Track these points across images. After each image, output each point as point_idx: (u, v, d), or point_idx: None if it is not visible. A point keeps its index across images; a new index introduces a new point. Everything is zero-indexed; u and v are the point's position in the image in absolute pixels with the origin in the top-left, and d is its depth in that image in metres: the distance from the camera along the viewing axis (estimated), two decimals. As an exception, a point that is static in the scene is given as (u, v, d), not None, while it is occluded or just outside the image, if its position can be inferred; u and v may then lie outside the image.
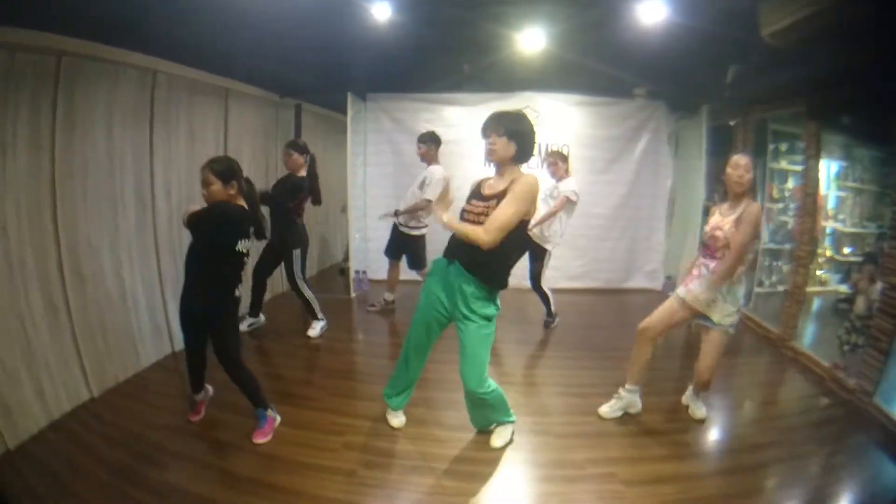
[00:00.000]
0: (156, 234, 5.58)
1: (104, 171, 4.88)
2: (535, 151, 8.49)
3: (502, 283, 3.87)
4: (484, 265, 3.72)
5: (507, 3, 5.58)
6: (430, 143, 7.04)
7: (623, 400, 4.76)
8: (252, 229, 4.14)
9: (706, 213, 9.52)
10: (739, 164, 4.20)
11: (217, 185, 3.88)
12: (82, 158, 4.60)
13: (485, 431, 4.35)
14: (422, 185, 6.98)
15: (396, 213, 7.19)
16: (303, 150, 6.34)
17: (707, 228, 4.42)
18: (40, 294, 4.19)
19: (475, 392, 3.92)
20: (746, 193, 4.24)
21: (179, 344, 5.71)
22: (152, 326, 5.56)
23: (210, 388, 4.61)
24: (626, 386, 4.76)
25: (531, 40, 6.44)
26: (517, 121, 3.75)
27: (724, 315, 4.28)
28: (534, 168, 8.30)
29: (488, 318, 3.85)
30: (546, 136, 8.83)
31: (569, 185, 6.72)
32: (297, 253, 6.40)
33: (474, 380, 3.88)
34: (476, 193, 3.90)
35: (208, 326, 4.14)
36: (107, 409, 4.59)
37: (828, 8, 4.27)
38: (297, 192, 6.26)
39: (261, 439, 4.17)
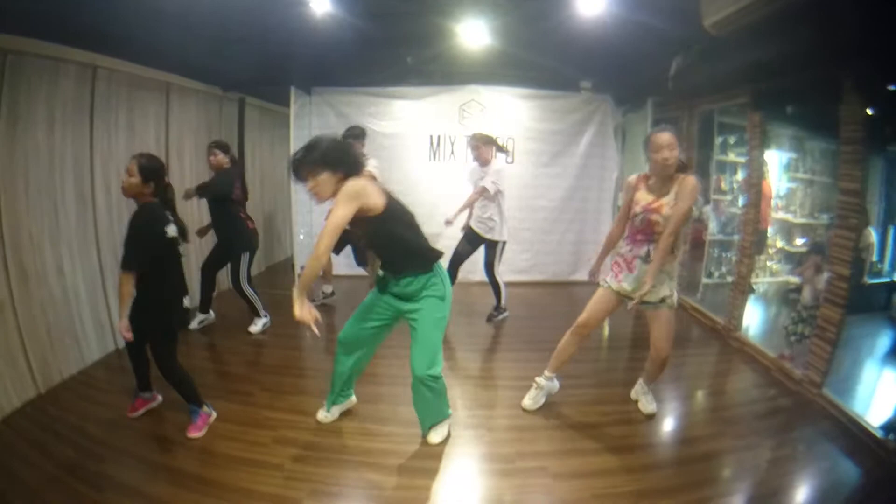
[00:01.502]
0: (96, 229, 5.62)
1: (44, 167, 4.95)
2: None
3: (432, 257, 3.92)
4: (401, 262, 3.85)
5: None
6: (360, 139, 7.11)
7: (543, 389, 4.83)
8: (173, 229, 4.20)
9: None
10: (662, 145, 3.94)
11: (136, 179, 3.94)
12: (23, 154, 4.67)
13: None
14: None
15: None
16: (226, 149, 6.38)
17: (638, 210, 4.15)
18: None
19: (424, 376, 3.92)
20: (675, 173, 4.04)
21: (122, 341, 5.63)
22: (95, 323, 5.61)
23: (159, 397, 4.68)
24: (546, 373, 4.82)
25: (473, 32, 6.38)
26: (315, 148, 3.66)
27: (668, 294, 4.19)
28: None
29: (441, 298, 3.91)
30: (490, 129, 8.72)
31: (490, 172, 6.66)
32: (244, 256, 6.48)
33: (422, 365, 3.91)
34: None
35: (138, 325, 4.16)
36: (53, 405, 4.67)
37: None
38: (232, 185, 6.35)
39: (194, 434, 4.27)
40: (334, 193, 3.59)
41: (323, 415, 4.54)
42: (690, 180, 3.98)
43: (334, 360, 4.37)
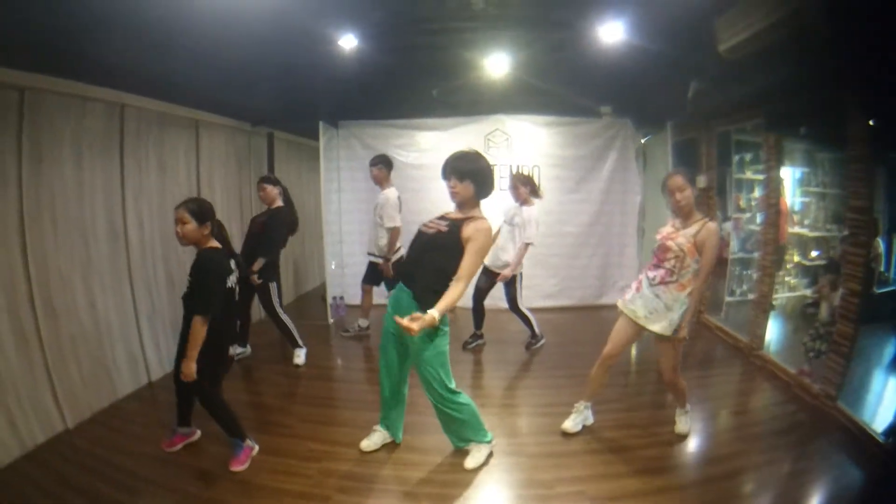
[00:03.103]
0: (129, 264, 5.58)
1: (73, 204, 4.90)
2: (504, 173, 8.48)
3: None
4: (433, 294, 3.78)
5: (469, 29, 5.62)
6: (381, 166, 7.10)
7: (582, 414, 4.83)
8: (234, 264, 4.20)
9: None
10: (676, 185, 4.24)
11: (192, 225, 3.93)
12: (50, 191, 4.62)
13: (462, 452, 4.38)
14: (379, 214, 7.05)
15: (386, 260, 7.10)
16: (275, 182, 6.37)
17: (658, 237, 4.42)
18: (10, 327, 4.20)
19: (440, 402, 4.08)
20: (693, 210, 4.29)
21: (156, 374, 5.81)
22: (128, 357, 5.54)
23: (198, 432, 4.62)
24: (584, 402, 4.85)
25: (496, 64, 6.47)
26: (473, 161, 3.97)
27: (665, 326, 4.30)
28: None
29: (438, 335, 3.95)
30: (516, 158, 8.98)
31: (531, 217, 6.62)
32: (273, 286, 6.40)
33: (434, 392, 4.06)
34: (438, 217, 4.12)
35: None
36: (83, 440, 4.59)
37: (780, 21, 4.35)
38: (294, 225, 6.43)
39: (237, 467, 4.18)
40: (465, 201, 4.00)
41: (366, 443, 4.49)
42: (712, 226, 4.19)
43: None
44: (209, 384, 4.15)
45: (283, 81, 6.34)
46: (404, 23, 5.43)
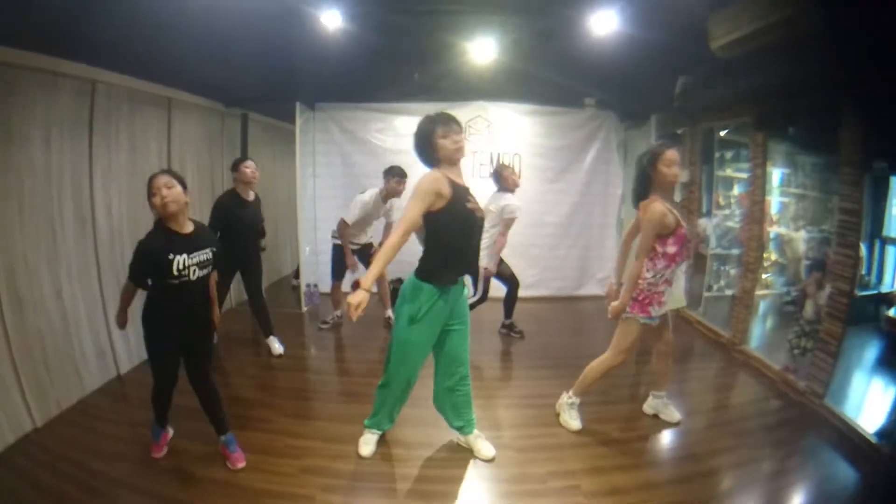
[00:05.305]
0: (97, 251, 5.35)
1: (41, 185, 4.66)
2: (484, 161, 8.43)
3: (445, 279, 3.81)
4: (421, 263, 3.83)
5: (458, 12, 5.53)
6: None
7: (575, 405, 4.77)
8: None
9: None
10: (674, 161, 4.12)
11: (179, 189, 3.57)
12: (17, 172, 4.37)
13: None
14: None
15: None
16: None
17: (683, 232, 4.20)
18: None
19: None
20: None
21: (125, 367, 5.61)
22: (96, 349, 5.30)
23: (171, 429, 4.36)
24: (576, 396, 4.78)
25: (482, 50, 6.37)
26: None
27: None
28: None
29: (412, 319, 3.80)
30: (497, 146, 8.92)
31: (509, 204, 6.54)
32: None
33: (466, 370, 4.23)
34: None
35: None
36: (52, 440, 4.36)
37: (775, 23, 4.39)
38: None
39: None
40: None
41: (367, 450, 4.25)
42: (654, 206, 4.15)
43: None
44: (153, 364, 3.93)
45: (261, 59, 6.10)
46: (390, 1, 5.34)
